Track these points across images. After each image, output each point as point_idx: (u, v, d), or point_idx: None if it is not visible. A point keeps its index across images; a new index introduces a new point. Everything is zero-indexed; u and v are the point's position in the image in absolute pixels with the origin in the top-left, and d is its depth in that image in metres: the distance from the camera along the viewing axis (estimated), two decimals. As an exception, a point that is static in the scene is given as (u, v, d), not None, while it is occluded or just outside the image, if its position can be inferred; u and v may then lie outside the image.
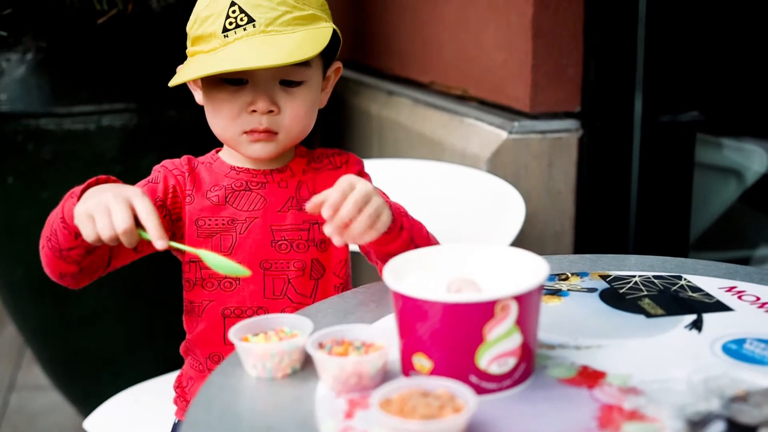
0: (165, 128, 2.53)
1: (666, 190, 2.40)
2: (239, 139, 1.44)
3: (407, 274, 1.09)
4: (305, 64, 1.42)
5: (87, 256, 1.36)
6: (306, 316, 1.15)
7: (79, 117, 2.49)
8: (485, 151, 2.34)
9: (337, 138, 3.54)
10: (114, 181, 1.33)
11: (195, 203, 1.47)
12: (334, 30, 1.45)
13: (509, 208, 2.02)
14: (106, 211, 1.20)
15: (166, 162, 1.52)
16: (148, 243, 1.27)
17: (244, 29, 1.37)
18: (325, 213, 1.19)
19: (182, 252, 1.47)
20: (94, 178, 1.33)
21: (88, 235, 1.22)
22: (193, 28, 1.42)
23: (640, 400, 0.98)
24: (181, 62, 1.47)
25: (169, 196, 1.46)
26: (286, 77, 1.42)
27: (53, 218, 1.35)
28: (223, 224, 1.47)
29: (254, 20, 1.37)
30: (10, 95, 2.50)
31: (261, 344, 1.08)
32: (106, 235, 1.20)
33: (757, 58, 2.94)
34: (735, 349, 1.11)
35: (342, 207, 1.20)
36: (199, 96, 1.50)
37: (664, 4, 2.31)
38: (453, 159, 2.49)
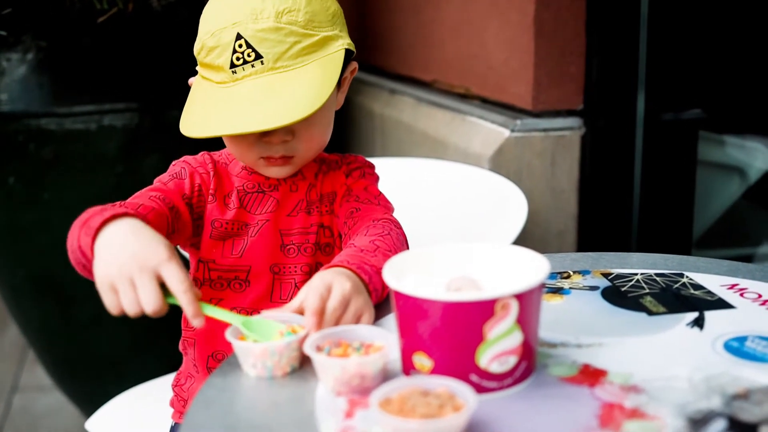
0: (167, 128, 2.53)
1: (669, 188, 2.40)
2: (257, 163, 1.43)
3: (407, 273, 1.08)
4: None
5: None
6: (306, 316, 1.15)
7: (81, 117, 2.49)
8: (488, 150, 2.34)
9: (340, 137, 3.54)
10: (131, 215, 1.20)
11: (215, 204, 1.45)
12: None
13: (512, 206, 2.02)
14: (130, 285, 1.11)
15: (188, 158, 1.49)
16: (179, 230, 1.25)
17: (252, 66, 1.32)
18: (309, 323, 1.10)
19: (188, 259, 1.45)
20: (110, 214, 1.18)
21: (110, 307, 1.13)
22: (200, 54, 1.38)
23: (641, 398, 0.98)
24: (182, 62, 1.44)
25: (195, 195, 1.44)
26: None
27: (74, 236, 1.22)
28: (237, 228, 1.45)
29: (262, 56, 1.32)
30: (11, 95, 2.50)
31: (261, 343, 1.08)
32: (131, 311, 1.11)
33: (759, 56, 2.94)
34: (736, 347, 1.10)
35: (324, 320, 1.12)
36: None
37: (667, 2, 2.30)
38: (455, 157, 2.49)
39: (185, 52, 1.46)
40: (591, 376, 1.04)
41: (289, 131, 1.38)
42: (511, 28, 2.40)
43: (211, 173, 1.46)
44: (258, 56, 1.32)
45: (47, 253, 2.62)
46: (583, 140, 2.33)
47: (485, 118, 2.46)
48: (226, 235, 1.45)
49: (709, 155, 2.67)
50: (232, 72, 1.33)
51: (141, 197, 1.35)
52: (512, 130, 2.32)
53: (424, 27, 2.96)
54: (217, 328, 1.45)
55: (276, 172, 1.44)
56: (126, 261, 1.12)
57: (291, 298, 1.45)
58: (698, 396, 0.98)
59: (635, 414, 0.95)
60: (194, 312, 1.11)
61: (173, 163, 1.49)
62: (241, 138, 1.39)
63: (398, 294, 1.01)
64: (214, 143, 1.55)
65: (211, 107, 1.36)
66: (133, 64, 2.55)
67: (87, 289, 2.62)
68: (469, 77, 2.68)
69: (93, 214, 1.20)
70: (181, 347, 1.55)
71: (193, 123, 1.37)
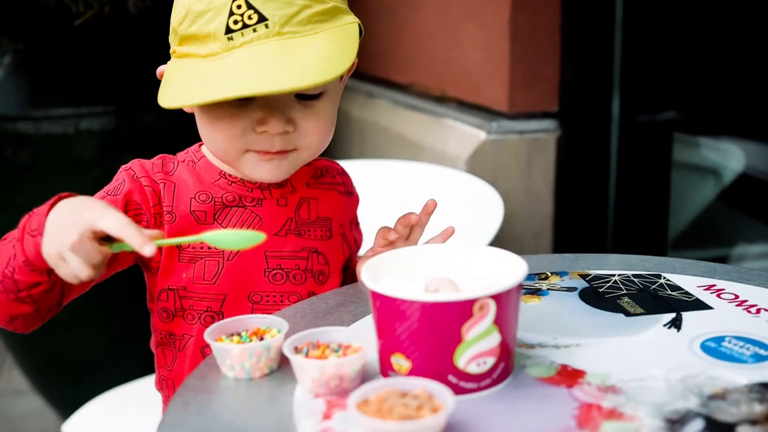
0: (144, 131, 2.52)
1: (644, 190, 2.41)
2: (243, 158, 1.24)
3: (386, 274, 1.08)
4: None
5: (47, 293, 1.17)
6: (284, 317, 1.14)
7: (57, 120, 2.47)
8: (464, 152, 2.34)
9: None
10: (64, 197, 1.13)
11: (177, 222, 1.26)
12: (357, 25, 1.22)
13: (488, 208, 2.02)
14: (70, 251, 1.03)
15: (134, 166, 1.29)
16: (116, 257, 1.19)
17: (254, 30, 1.13)
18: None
19: (154, 269, 1.30)
20: (46, 205, 1.13)
21: (68, 277, 1.06)
22: (183, 24, 1.17)
23: (618, 398, 0.98)
24: (160, 65, 1.27)
25: (130, 214, 1.23)
26: (304, 91, 1.19)
27: (3, 260, 1.14)
28: (209, 247, 1.26)
29: (266, 19, 1.13)
30: (-13, 98, 2.48)
31: (239, 345, 1.07)
32: (83, 275, 1.04)
33: (733, 58, 2.95)
34: (713, 348, 1.11)
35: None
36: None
37: (641, 5, 2.31)
38: (432, 160, 2.49)
39: (162, 54, 1.44)
40: (569, 376, 1.04)
41: (290, 121, 1.20)
42: (487, 31, 2.40)
43: (162, 185, 1.27)
44: (261, 19, 1.13)
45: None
46: (559, 142, 2.34)
47: (461, 120, 2.46)
48: (196, 257, 1.27)
49: (683, 157, 2.69)
50: (228, 39, 1.13)
51: None
52: (488, 133, 2.32)
53: (400, 30, 2.96)
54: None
55: (268, 171, 1.24)
56: (61, 232, 1.05)
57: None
58: (675, 396, 0.98)
59: (613, 414, 0.95)
60: (141, 241, 0.99)
61: (120, 168, 1.30)
62: (227, 127, 1.20)
63: (376, 294, 1.01)
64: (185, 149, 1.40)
65: (197, 79, 1.16)
66: (110, 67, 2.53)
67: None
68: (445, 80, 2.68)
69: (26, 223, 1.15)
70: (158, 386, 1.41)
71: (173, 95, 1.17)
